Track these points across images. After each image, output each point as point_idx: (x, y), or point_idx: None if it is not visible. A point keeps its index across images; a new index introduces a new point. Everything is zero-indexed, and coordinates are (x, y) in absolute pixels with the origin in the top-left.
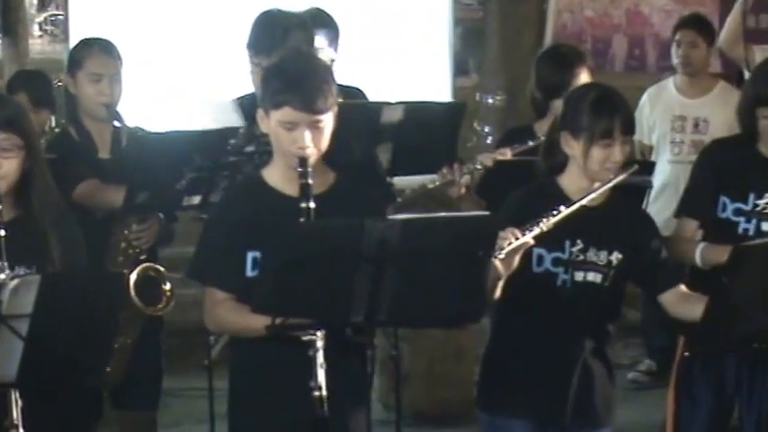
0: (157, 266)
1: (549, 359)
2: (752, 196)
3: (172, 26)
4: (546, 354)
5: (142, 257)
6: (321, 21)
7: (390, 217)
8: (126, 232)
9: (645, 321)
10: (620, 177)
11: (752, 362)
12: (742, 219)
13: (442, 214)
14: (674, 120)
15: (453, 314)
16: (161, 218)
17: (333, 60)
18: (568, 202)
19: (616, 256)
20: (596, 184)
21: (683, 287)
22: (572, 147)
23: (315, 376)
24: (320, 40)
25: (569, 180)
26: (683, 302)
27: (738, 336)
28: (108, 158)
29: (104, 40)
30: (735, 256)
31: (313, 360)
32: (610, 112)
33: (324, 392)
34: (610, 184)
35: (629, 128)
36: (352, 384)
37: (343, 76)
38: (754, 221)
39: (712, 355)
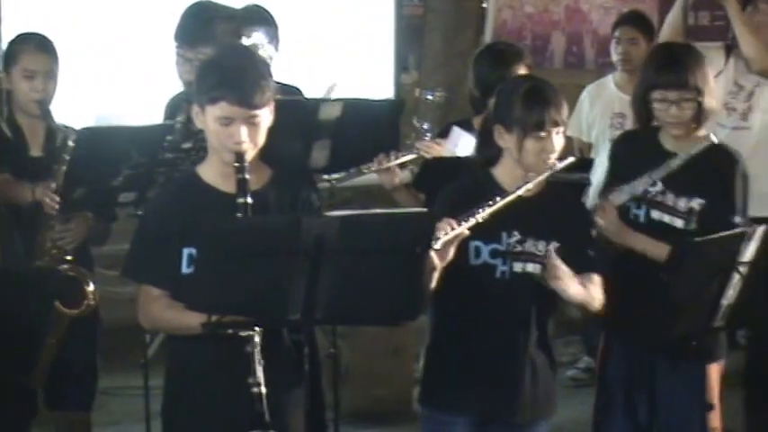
0: (79, 267)
1: (492, 353)
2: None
3: (107, 21)
4: (488, 348)
5: (68, 257)
6: (260, 17)
7: (328, 213)
8: (50, 232)
9: (584, 319)
10: (555, 169)
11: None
12: (632, 205)
13: (380, 211)
14: (614, 117)
15: (391, 312)
16: (88, 217)
17: (272, 57)
18: (504, 194)
19: (554, 246)
20: (530, 175)
21: (596, 277)
22: (505, 140)
23: (254, 372)
24: (259, 37)
25: (503, 172)
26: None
27: (677, 333)
28: (40, 156)
29: (41, 35)
30: (676, 253)
31: (251, 356)
32: (541, 104)
33: (263, 389)
34: (543, 176)
35: (561, 119)
36: (290, 382)
37: (286, 72)
38: (643, 208)
39: (626, 352)
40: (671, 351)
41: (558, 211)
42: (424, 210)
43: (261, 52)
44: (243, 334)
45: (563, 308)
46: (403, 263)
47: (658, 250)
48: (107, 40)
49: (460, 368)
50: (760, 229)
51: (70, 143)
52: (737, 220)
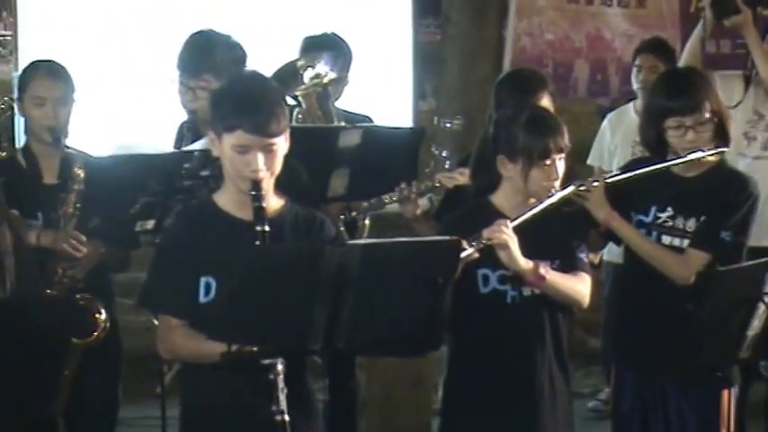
0: (89, 296)
1: (509, 380)
2: (653, 209)
3: (122, 46)
4: (505, 375)
5: (79, 286)
6: (325, 45)
7: (350, 241)
8: (61, 261)
9: (605, 350)
10: (558, 197)
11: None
12: (642, 231)
13: (403, 239)
14: (635, 145)
15: (414, 342)
16: (99, 245)
17: (331, 80)
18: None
19: (558, 265)
20: (531, 201)
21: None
22: (509, 169)
23: (276, 401)
24: (321, 66)
25: (503, 198)
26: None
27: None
28: (54, 184)
29: (52, 62)
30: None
31: (274, 384)
32: (545, 132)
33: (286, 417)
34: (546, 203)
35: (564, 144)
36: (308, 411)
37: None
38: (654, 234)
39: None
40: (683, 378)
41: (557, 232)
42: (447, 238)
43: (324, 80)
44: (266, 362)
45: (583, 339)
46: (426, 292)
47: (645, 245)
48: (127, 68)
49: (479, 397)
50: None
51: (78, 171)
52: (725, 236)
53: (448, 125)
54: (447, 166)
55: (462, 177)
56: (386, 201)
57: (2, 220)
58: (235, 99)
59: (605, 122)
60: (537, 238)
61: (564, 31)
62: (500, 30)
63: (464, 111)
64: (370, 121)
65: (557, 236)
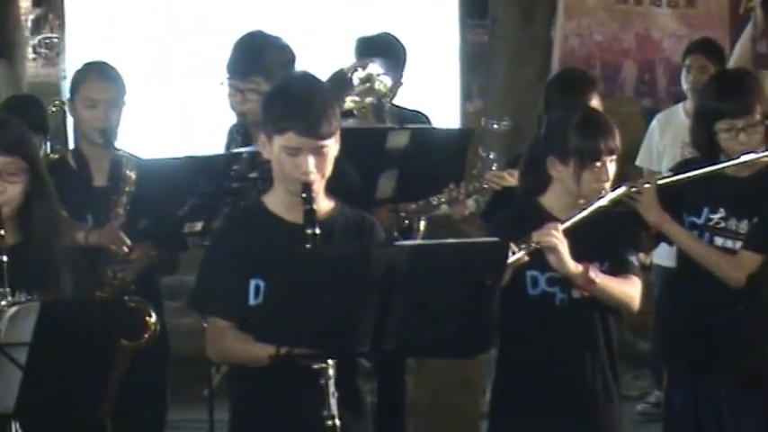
0: (140, 299)
1: (558, 383)
2: (705, 210)
3: (171, 48)
4: (553, 378)
5: (129, 288)
6: (379, 47)
7: (398, 243)
8: (111, 264)
9: (655, 352)
10: (608, 198)
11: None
12: (694, 232)
13: (451, 240)
14: (684, 146)
15: (463, 344)
16: (150, 248)
17: (387, 86)
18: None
19: (608, 267)
20: (581, 202)
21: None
22: (559, 171)
23: (327, 405)
24: (374, 68)
25: (553, 199)
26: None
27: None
28: (104, 186)
29: (104, 64)
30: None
31: (325, 389)
32: (597, 133)
33: (337, 422)
34: (596, 205)
35: (615, 146)
36: (359, 413)
37: None
38: (707, 236)
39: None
40: (736, 380)
41: (606, 234)
42: (496, 240)
43: (376, 84)
44: (316, 366)
45: (632, 342)
46: (474, 293)
47: (697, 247)
48: (175, 70)
49: (528, 400)
50: None
51: (129, 174)
52: None
53: (495, 126)
54: (494, 168)
55: (511, 178)
56: (434, 202)
57: (57, 222)
58: (286, 101)
59: (654, 123)
60: (586, 240)
61: (613, 31)
62: (547, 30)
63: (511, 112)
64: (425, 117)
65: (606, 238)
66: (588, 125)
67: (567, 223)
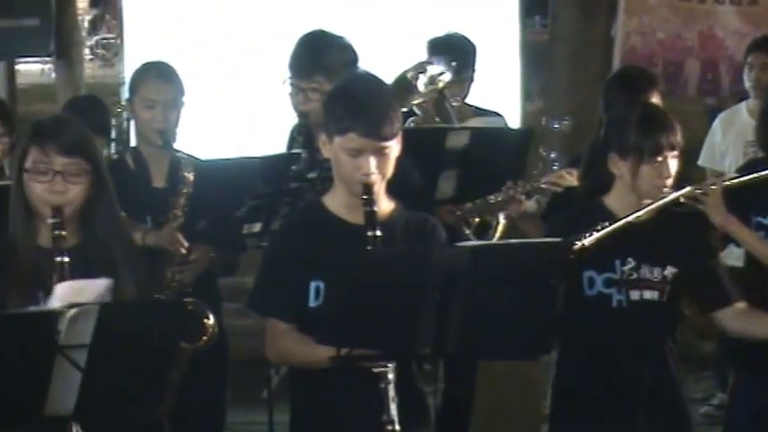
0: (197, 301)
1: (617, 386)
2: None
3: (230, 48)
4: (612, 380)
5: (188, 290)
6: (442, 47)
7: (459, 244)
8: (170, 265)
9: (720, 354)
10: (672, 197)
11: None
12: (762, 233)
13: (513, 241)
14: (747, 145)
15: (525, 345)
16: (209, 250)
17: (447, 84)
18: (612, 221)
19: (671, 271)
20: (645, 201)
21: (741, 304)
22: (619, 167)
23: (387, 410)
24: (435, 68)
25: (616, 199)
26: (742, 320)
27: None
28: (163, 187)
29: (163, 64)
30: None
31: (384, 393)
32: (657, 128)
33: (397, 427)
34: (658, 203)
35: (677, 142)
36: (419, 416)
37: None
38: None
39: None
40: None
41: (674, 236)
42: (559, 239)
43: (439, 84)
44: (376, 370)
45: (695, 343)
46: (536, 294)
47: (764, 248)
48: (236, 70)
49: (588, 402)
50: None
51: (188, 175)
52: None
53: (556, 126)
54: (554, 168)
55: (570, 177)
56: (491, 201)
57: (118, 223)
58: (348, 101)
59: (716, 122)
60: (654, 241)
61: (676, 29)
62: (608, 28)
63: (572, 111)
64: (501, 117)
65: (673, 241)
66: (648, 120)
67: (630, 217)
